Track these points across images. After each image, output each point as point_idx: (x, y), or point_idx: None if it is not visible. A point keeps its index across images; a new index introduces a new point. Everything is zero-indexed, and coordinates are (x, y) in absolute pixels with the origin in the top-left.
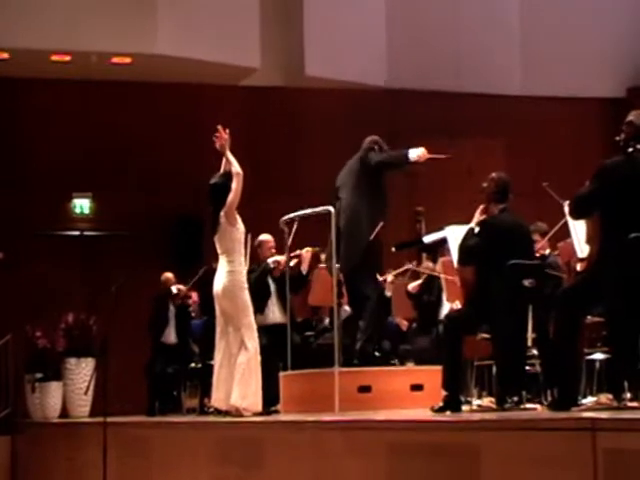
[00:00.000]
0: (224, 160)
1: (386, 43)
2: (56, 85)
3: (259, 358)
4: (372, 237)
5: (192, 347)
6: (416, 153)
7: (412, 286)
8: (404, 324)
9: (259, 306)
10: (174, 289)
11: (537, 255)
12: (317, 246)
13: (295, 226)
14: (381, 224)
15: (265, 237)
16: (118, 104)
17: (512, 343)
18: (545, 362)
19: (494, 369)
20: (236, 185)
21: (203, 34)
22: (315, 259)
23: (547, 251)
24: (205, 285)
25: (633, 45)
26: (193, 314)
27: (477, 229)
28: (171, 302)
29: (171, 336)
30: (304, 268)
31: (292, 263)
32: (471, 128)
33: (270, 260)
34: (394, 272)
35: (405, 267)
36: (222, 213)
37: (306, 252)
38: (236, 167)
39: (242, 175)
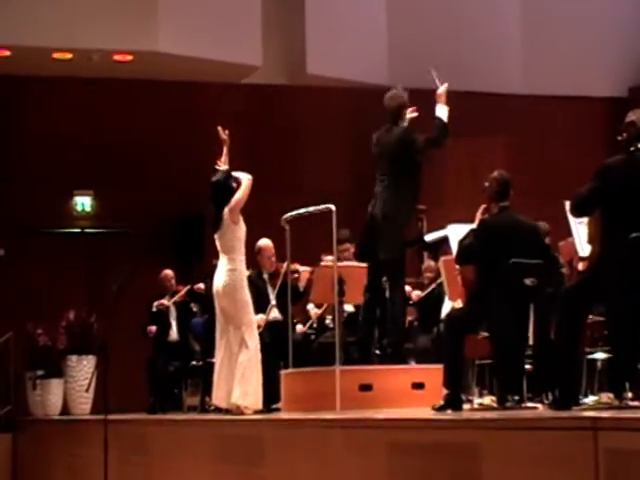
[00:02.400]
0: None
1: (387, 41)
2: (58, 83)
3: (259, 356)
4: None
5: (193, 345)
6: (443, 110)
7: (415, 294)
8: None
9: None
10: (154, 308)
11: None
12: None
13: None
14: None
15: (265, 243)
16: (120, 102)
17: (513, 342)
18: (542, 361)
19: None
20: (245, 188)
21: (205, 32)
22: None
23: None
24: (205, 284)
25: (635, 44)
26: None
27: (475, 229)
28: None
29: (173, 334)
30: (301, 285)
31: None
32: (472, 127)
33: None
34: None
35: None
36: (226, 210)
37: (304, 271)
38: (245, 175)
39: (252, 180)
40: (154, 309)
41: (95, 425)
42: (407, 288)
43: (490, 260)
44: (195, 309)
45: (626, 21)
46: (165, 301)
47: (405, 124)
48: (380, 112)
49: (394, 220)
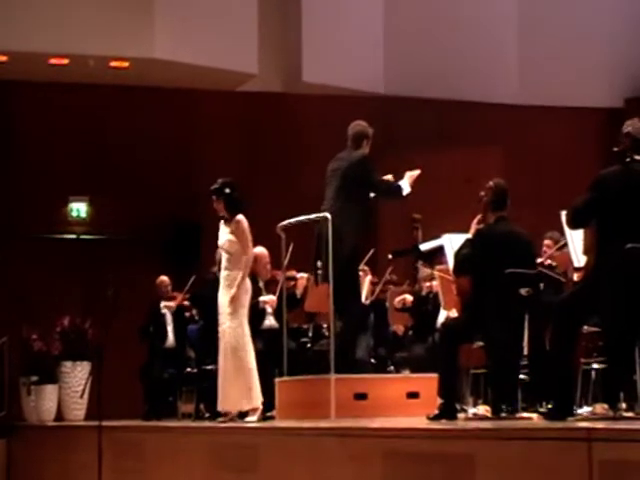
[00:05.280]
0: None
1: (384, 50)
2: (54, 88)
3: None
4: (356, 255)
5: (188, 352)
6: (407, 184)
7: (397, 301)
8: (400, 329)
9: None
10: (162, 308)
11: (546, 263)
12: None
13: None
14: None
15: (260, 251)
16: (116, 108)
17: (507, 352)
18: (537, 372)
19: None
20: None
21: (201, 39)
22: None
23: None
24: (202, 290)
25: (631, 55)
26: (188, 314)
27: (472, 239)
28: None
29: (170, 340)
30: (299, 292)
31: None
32: (468, 136)
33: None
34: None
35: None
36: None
37: (300, 278)
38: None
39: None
40: (162, 310)
41: (89, 431)
42: (409, 298)
43: (486, 270)
44: (196, 316)
45: (622, 32)
46: (172, 303)
47: (365, 152)
48: (375, 120)
49: (343, 237)
